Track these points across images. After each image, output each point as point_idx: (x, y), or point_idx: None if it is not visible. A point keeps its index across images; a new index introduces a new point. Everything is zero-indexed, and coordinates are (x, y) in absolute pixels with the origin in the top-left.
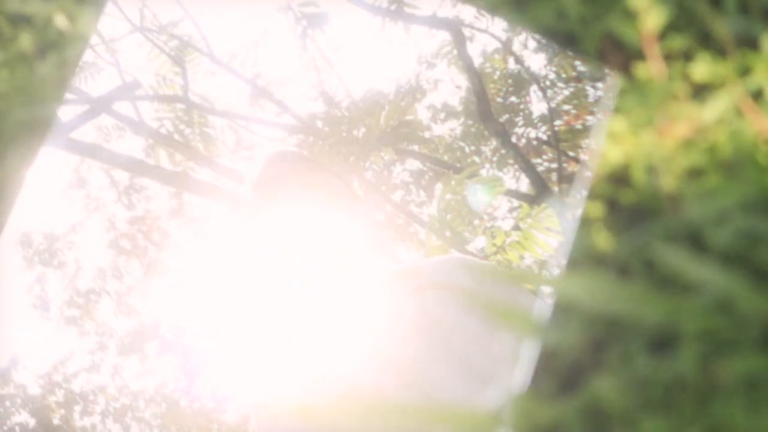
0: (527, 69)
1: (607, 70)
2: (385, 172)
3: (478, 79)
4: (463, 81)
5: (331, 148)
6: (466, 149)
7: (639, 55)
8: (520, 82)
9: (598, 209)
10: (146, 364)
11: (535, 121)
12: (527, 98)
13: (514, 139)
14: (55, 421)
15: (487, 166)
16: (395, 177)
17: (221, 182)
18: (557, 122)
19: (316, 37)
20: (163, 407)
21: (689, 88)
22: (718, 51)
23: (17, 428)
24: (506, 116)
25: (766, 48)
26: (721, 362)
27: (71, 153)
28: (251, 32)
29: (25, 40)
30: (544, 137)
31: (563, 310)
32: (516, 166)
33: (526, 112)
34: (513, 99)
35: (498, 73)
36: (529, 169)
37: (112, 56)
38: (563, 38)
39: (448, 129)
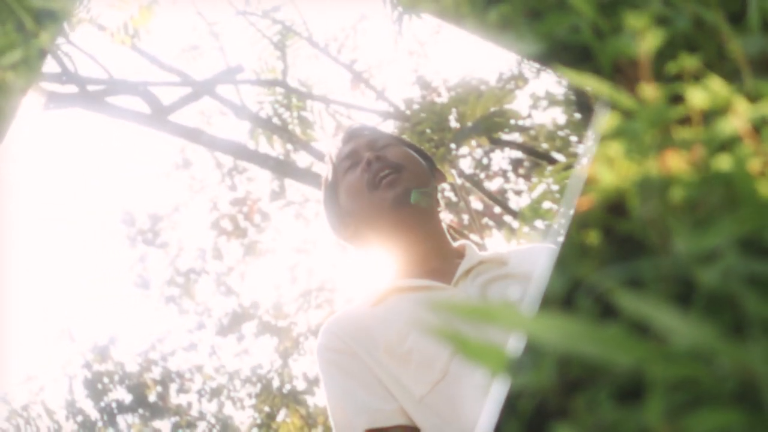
0: None
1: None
2: (484, 159)
3: None
4: None
5: (422, 135)
6: (569, 139)
7: (648, 75)
8: None
9: (582, 239)
10: (243, 345)
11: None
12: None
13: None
14: (151, 398)
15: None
16: (494, 165)
17: (319, 167)
18: None
19: (413, 22)
20: (258, 387)
21: (694, 112)
22: (733, 72)
23: (114, 404)
24: None
25: None
26: (691, 416)
27: (174, 135)
28: (349, 17)
29: None
30: None
31: (533, 349)
32: None
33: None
34: None
35: None
36: None
37: (215, 39)
38: (577, 53)
39: (551, 118)
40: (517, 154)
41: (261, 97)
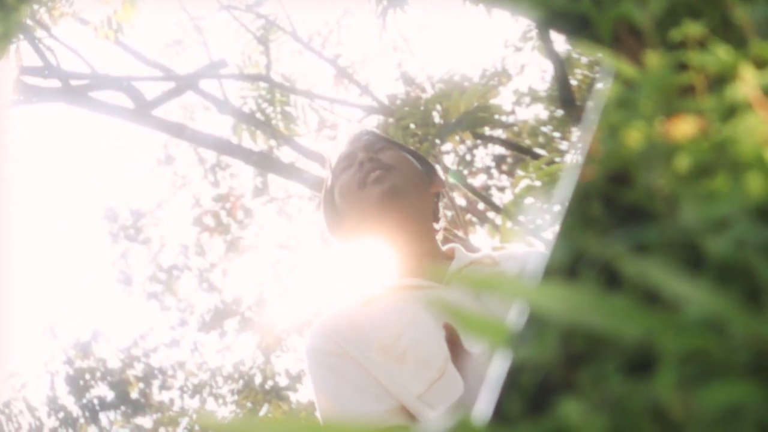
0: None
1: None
2: (468, 155)
3: (559, 63)
4: (550, 65)
5: (406, 130)
6: (552, 135)
7: (652, 42)
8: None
9: (585, 208)
10: (225, 341)
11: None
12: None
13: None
14: (134, 395)
15: (573, 152)
16: (478, 161)
17: (303, 162)
18: None
19: (397, 17)
20: (240, 384)
21: (698, 79)
22: (739, 40)
23: (96, 401)
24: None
25: None
26: (704, 388)
27: (157, 131)
28: (333, 12)
29: None
30: None
31: (536, 321)
32: None
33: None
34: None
35: (586, 59)
36: None
37: (199, 34)
38: (576, 22)
39: (534, 114)
40: (501, 150)
41: (244, 92)
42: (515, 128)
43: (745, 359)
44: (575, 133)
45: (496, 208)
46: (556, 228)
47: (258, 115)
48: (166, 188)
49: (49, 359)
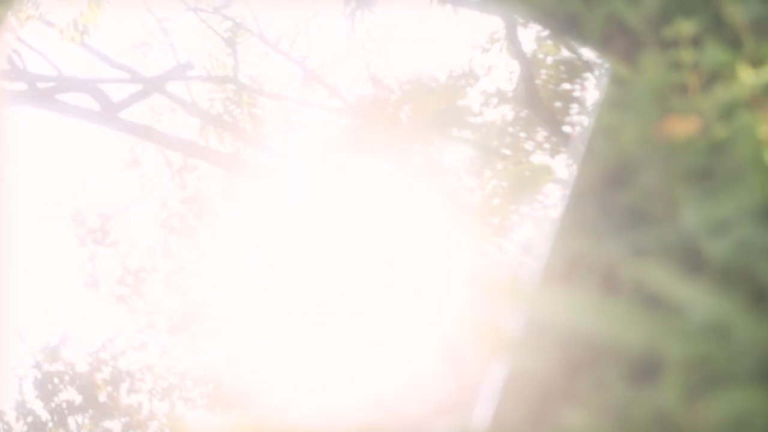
0: (580, 55)
1: (610, 57)
2: (436, 157)
3: (526, 64)
4: (516, 66)
5: (375, 132)
6: (518, 136)
7: (644, 41)
8: (574, 68)
9: (582, 210)
10: (194, 344)
11: (590, 108)
12: (582, 85)
13: (569, 127)
14: (102, 399)
15: (539, 153)
16: (446, 162)
17: (270, 164)
18: None
19: (366, 18)
20: (210, 387)
21: (696, 78)
22: (732, 38)
23: (64, 405)
24: (559, 103)
25: None
26: (710, 396)
27: (124, 133)
28: (301, 13)
29: None
30: None
31: (537, 327)
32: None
33: (581, 99)
34: (566, 86)
35: (551, 59)
36: None
37: (165, 36)
38: (565, 22)
39: (501, 115)
40: (468, 151)
41: (212, 94)
42: (483, 129)
43: (751, 365)
44: (541, 133)
45: (468, 209)
46: (554, 231)
47: (225, 117)
48: (134, 191)
49: (17, 363)
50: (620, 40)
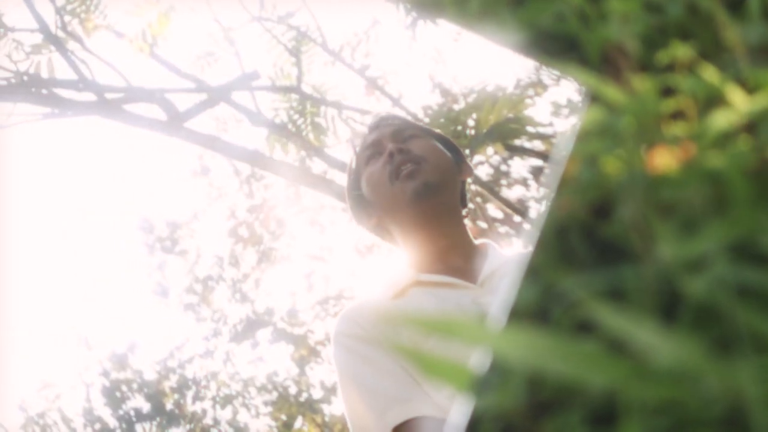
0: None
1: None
2: (503, 167)
3: None
4: None
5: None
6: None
7: (640, 64)
8: None
9: (559, 242)
10: (258, 352)
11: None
12: None
13: None
14: (168, 406)
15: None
16: (514, 173)
17: (333, 174)
18: None
19: (428, 28)
20: (273, 395)
21: (687, 105)
22: (730, 62)
23: (132, 412)
24: None
25: None
26: None
27: (189, 143)
28: (363, 22)
29: None
30: None
31: (500, 367)
32: None
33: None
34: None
35: None
36: None
37: (231, 46)
38: (563, 43)
39: (572, 125)
40: (538, 161)
41: (276, 103)
42: (553, 140)
43: (718, 413)
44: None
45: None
46: (526, 265)
47: (289, 126)
48: (202, 199)
49: (85, 370)
50: (619, 64)
